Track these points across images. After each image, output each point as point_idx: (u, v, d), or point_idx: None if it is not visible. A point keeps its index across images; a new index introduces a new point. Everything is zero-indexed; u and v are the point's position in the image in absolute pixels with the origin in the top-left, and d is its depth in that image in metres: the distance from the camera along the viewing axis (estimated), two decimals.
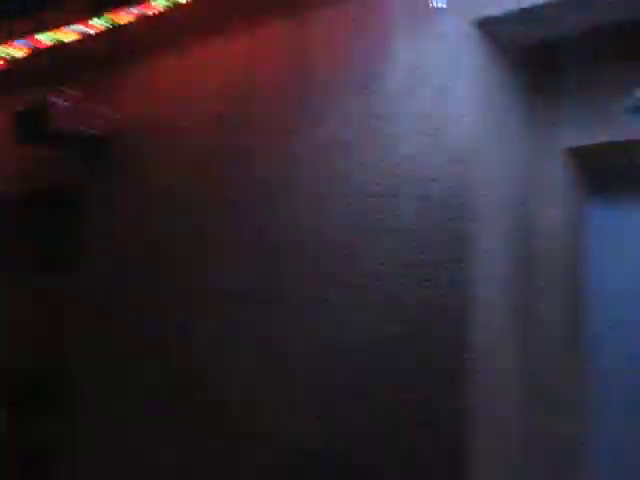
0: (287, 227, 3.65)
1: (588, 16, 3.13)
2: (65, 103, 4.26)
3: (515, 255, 3.42)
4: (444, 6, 3.22)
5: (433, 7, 3.29)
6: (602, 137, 3.41)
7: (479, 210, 3.19)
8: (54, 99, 4.24)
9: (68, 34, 4.45)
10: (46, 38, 4.52)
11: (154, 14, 4.15)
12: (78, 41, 4.47)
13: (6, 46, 4.64)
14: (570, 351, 3.47)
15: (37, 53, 4.61)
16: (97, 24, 4.36)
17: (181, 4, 4.03)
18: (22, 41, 4.59)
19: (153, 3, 4.13)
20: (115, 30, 4.34)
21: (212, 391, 3.78)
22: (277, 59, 3.84)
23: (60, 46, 4.50)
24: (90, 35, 4.41)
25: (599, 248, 3.64)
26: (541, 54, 3.47)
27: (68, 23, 4.45)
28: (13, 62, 4.72)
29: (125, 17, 4.27)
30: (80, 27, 4.41)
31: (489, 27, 3.25)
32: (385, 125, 3.39)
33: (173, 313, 4.02)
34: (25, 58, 4.66)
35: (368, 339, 3.30)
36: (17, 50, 4.64)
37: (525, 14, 3.16)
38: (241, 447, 3.62)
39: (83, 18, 4.39)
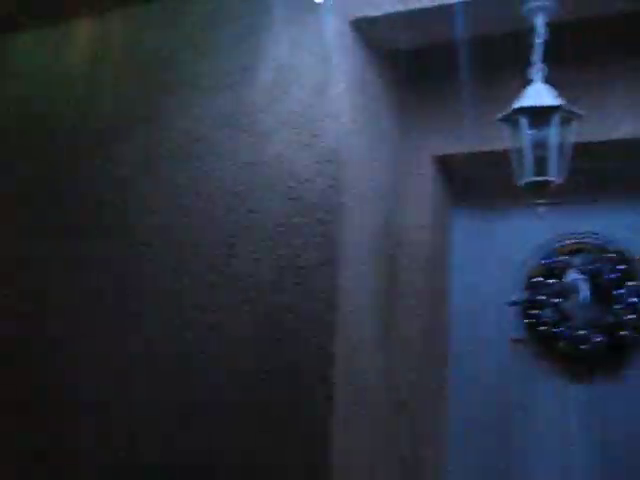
0: (152, 226, 3.46)
1: (458, 25, 3.21)
2: None
3: (381, 262, 3.40)
4: (321, 2, 3.16)
5: (309, 2, 3.23)
6: (470, 146, 3.49)
7: (350, 213, 3.14)
8: None
9: None
10: None
11: None
12: None
13: None
14: (430, 366, 3.52)
15: None
16: None
17: None
18: None
19: None
20: None
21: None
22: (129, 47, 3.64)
23: None
24: None
25: (462, 257, 3.74)
26: (415, 60, 3.49)
27: None
28: None
29: None
30: None
31: (365, 28, 3.22)
32: (256, 122, 3.28)
33: None
34: None
35: (236, 340, 3.16)
36: None
37: (400, 18, 3.16)
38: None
39: None
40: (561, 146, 2.88)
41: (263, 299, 3.14)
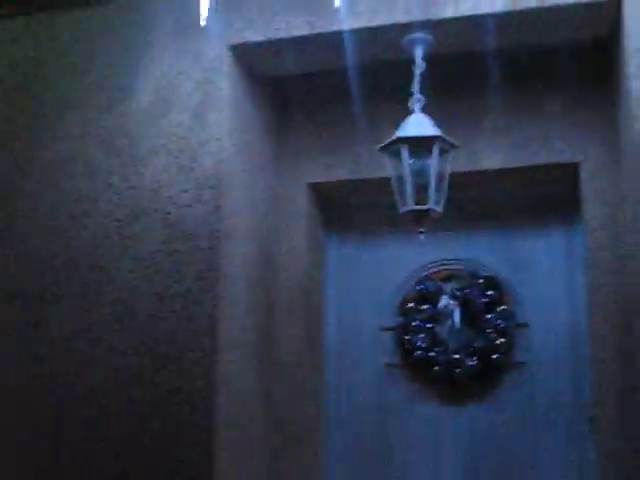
0: (22, 246, 3.31)
1: (338, 55, 3.29)
2: None
3: (259, 288, 3.41)
4: (204, 24, 3.15)
5: (192, 25, 3.21)
6: (345, 174, 3.57)
7: (229, 240, 3.14)
8: None
9: None
10: None
11: None
12: None
13: None
14: (306, 390, 3.55)
15: None
16: None
17: None
18: None
19: None
20: None
21: None
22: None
23: None
24: None
25: (337, 283, 3.79)
26: (294, 87, 3.54)
27: None
28: None
29: None
30: None
31: (245, 54, 3.25)
32: (133, 145, 3.22)
33: None
34: None
35: (113, 370, 3.06)
36: None
37: (280, 44, 3.22)
38: None
39: None
40: (440, 176, 3.00)
41: (140, 327, 3.08)
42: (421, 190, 2.99)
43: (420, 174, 2.99)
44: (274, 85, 3.53)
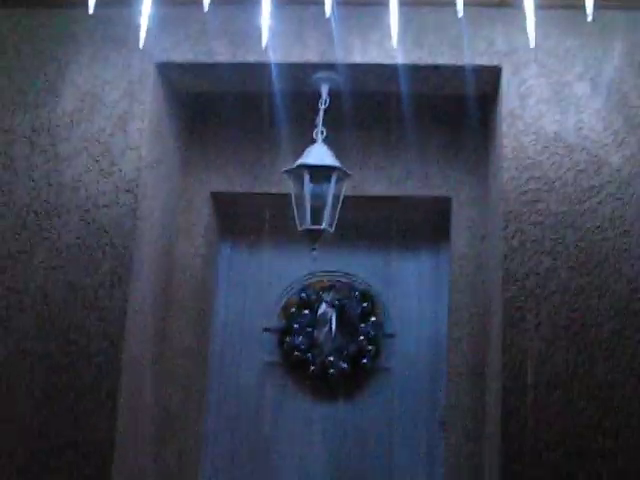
0: None
1: (253, 82, 3.77)
2: None
3: (160, 286, 3.83)
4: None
5: (120, 39, 3.60)
6: (244, 187, 4.05)
7: (140, 240, 3.54)
8: None
9: None
10: None
11: None
12: None
13: None
14: (193, 382, 3.98)
15: None
16: None
17: None
18: None
19: None
20: None
21: None
22: None
23: None
24: None
25: (227, 286, 4.26)
26: (207, 105, 3.98)
27: None
28: None
29: None
30: None
31: (167, 71, 3.66)
32: (58, 146, 3.56)
33: None
34: None
35: (22, 354, 3.39)
36: None
37: (201, 67, 3.65)
38: None
39: None
40: (335, 200, 3.53)
41: (52, 314, 3.42)
42: (317, 212, 3.52)
43: (317, 198, 3.51)
44: (190, 101, 3.96)
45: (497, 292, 3.39)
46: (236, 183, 4.06)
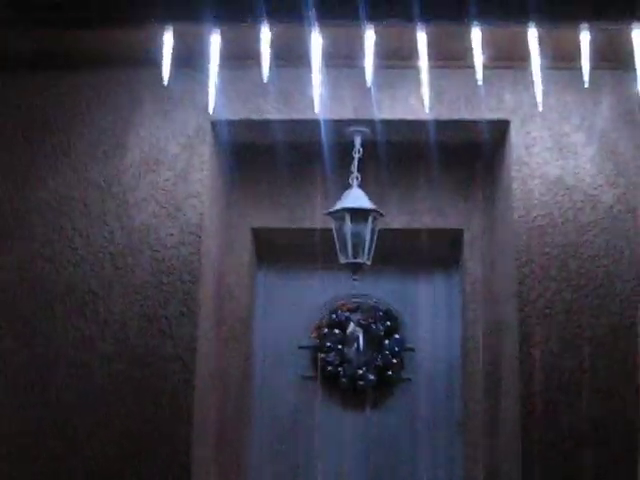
0: (21, 275, 4.18)
1: (295, 134, 4.47)
2: None
3: (216, 315, 4.51)
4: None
5: (179, 98, 4.26)
6: (280, 223, 4.76)
7: (204, 276, 4.21)
8: None
9: None
10: None
11: None
12: None
13: None
14: (243, 396, 4.66)
15: None
16: None
17: None
18: None
19: None
20: None
21: None
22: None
23: None
24: None
25: (265, 309, 4.96)
26: (252, 154, 4.66)
27: None
28: None
29: None
30: None
31: (221, 127, 4.33)
32: (127, 193, 4.20)
33: None
34: None
35: (106, 378, 4.04)
36: None
37: (247, 123, 4.34)
38: None
39: None
40: (371, 237, 4.24)
41: (131, 341, 4.07)
42: (357, 247, 4.22)
43: (357, 235, 4.22)
44: (237, 150, 4.63)
45: (512, 312, 4.13)
46: (273, 220, 4.77)
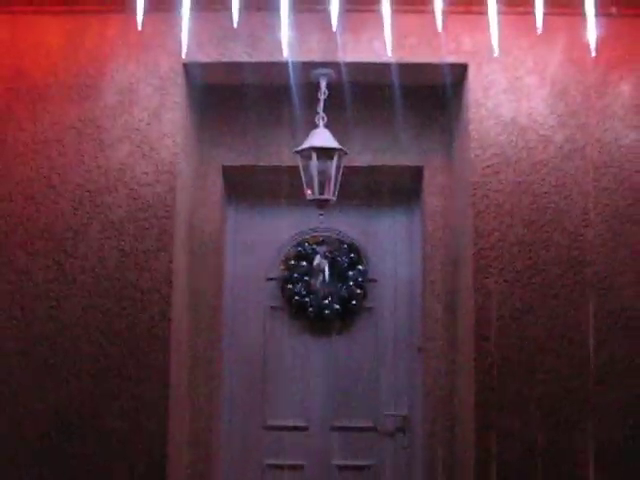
0: (5, 215, 4.43)
1: (264, 77, 4.70)
2: None
3: (189, 249, 4.79)
4: (165, 43, 4.43)
5: (151, 42, 4.47)
6: (249, 160, 5.02)
7: (178, 212, 4.48)
8: None
9: None
10: None
11: None
12: None
13: None
14: (211, 324, 4.97)
15: None
16: None
17: None
18: None
19: None
20: None
21: None
22: None
23: None
24: None
25: (234, 243, 5.24)
26: (221, 94, 4.90)
27: None
28: None
29: None
30: None
31: (193, 69, 4.56)
32: (101, 134, 4.43)
33: None
34: None
35: (84, 308, 4.33)
36: None
37: (218, 66, 4.57)
38: None
39: None
40: (336, 175, 4.52)
41: (109, 275, 4.35)
42: (323, 184, 4.51)
43: (323, 173, 4.49)
44: (207, 91, 4.86)
45: (468, 245, 4.47)
46: (242, 158, 5.02)
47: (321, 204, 4.55)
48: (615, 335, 4.34)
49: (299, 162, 4.59)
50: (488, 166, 4.43)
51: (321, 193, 4.52)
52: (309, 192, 4.56)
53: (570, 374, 4.32)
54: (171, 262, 4.37)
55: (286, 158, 4.92)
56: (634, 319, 4.34)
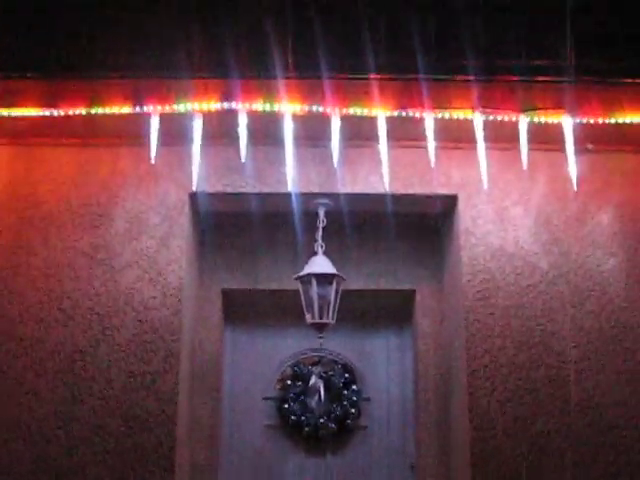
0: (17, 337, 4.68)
1: (264, 205, 5.08)
2: None
3: (191, 369, 5.05)
4: (173, 174, 4.82)
5: (154, 174, 4.84)
6: (247, 284, 5.36)
7: (184, 334, 4.77)
8: None
9: None
10: None
11: None
12: None
13: None
14: (211, 442, 5.20)
15: None
16: None
17: None
18: None
19: None
20: None
21: None
22: None
23: None
24: None
25: (231, 362, 5.52)
26: (223, 222, 5.27)
27: None
28: None
29: None
30: None
31: (199, 199, 4.92)
32: (112, 259, 4.75)
33: None
34: None
35: (92, 429, 4.54)
36: None
37: (222, 196, 4.94)
38: None
39: None
40: (335, 299, 4.86)
41: (116, 396, 4.59)
42: (322, 308, 4.84)
43: (322, 298, 4.83)
44: (210, 218, 5.23)
45: (461, 367, 4.77)
46: (241, 281, 5.36)
47: (321, 327, 4.87)
48: (606, 452, 4.63)
49: (299, 287, 4.92)
50: (479, 291, 4.79)
51: (320, 317, 4.84)
52: (309, 316, 4.88)
53: None
54: (177, 383, 4.62)
55: (284, 282, 5.26)
56: (620, 437, 4.65)
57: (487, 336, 4.75)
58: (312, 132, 4.75)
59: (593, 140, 4.90)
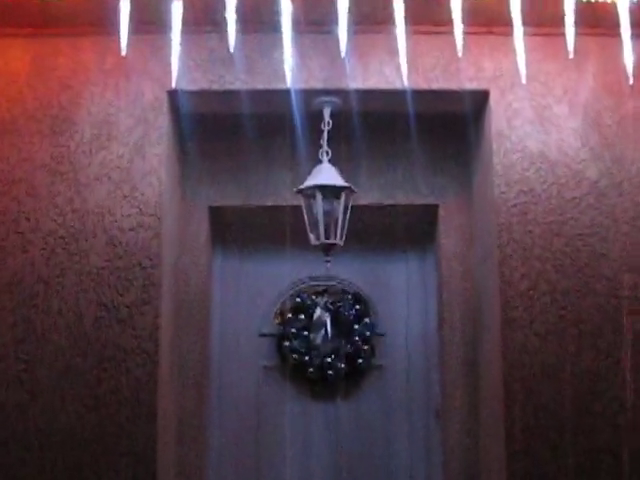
0: None
1: (261, 106, 4.89)
2: None
3: (173, 298, 4.93)
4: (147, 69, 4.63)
5: (133, 68, 4.65)
6: (239, 200, 5.20)
7: (165, 260, 4.62)
8: None
9: None
10: None
11: None
12: None
13: None
14: (198, 385, 5.10)
15: None
16: None
17: None
18: None
19: None
20: None
21: None
22: None
23: None
24: None
25: (221, 292, 5.41)
26: (210, 124, 5.10)
27: None
28: None
29: None
30: None
31: (179, 97, 4.75)
32: (77, 172, 4.58)
33: None
34: None
35: (61, 371, 4.43)
36: None
37: (208, 94, 4.76)
38: None
39: None
40: (344, 216, 4.69)
41: (87, 332, 4.46)
42: (329, 227, 4.67)
43: (329, 214, 4.67)
44: (193, 121, 5.03)
45: (494, 295, 4.67)
46: (232, 197, 5.22)
47: (327, 249, 4.71)
48: None
49: (301, 202, 4.79)
50: (514, 205, 4.66)
51: (327, 237, 4.69)
52: (313, 236, 4.72)
53: (610, 438, 4.51)
54: (157, 317, 4.53)
55: (283, 197, 5.17)
56: None
57: (525, 258, 4.63)
58: (315, 15, 4.55)
59: None
